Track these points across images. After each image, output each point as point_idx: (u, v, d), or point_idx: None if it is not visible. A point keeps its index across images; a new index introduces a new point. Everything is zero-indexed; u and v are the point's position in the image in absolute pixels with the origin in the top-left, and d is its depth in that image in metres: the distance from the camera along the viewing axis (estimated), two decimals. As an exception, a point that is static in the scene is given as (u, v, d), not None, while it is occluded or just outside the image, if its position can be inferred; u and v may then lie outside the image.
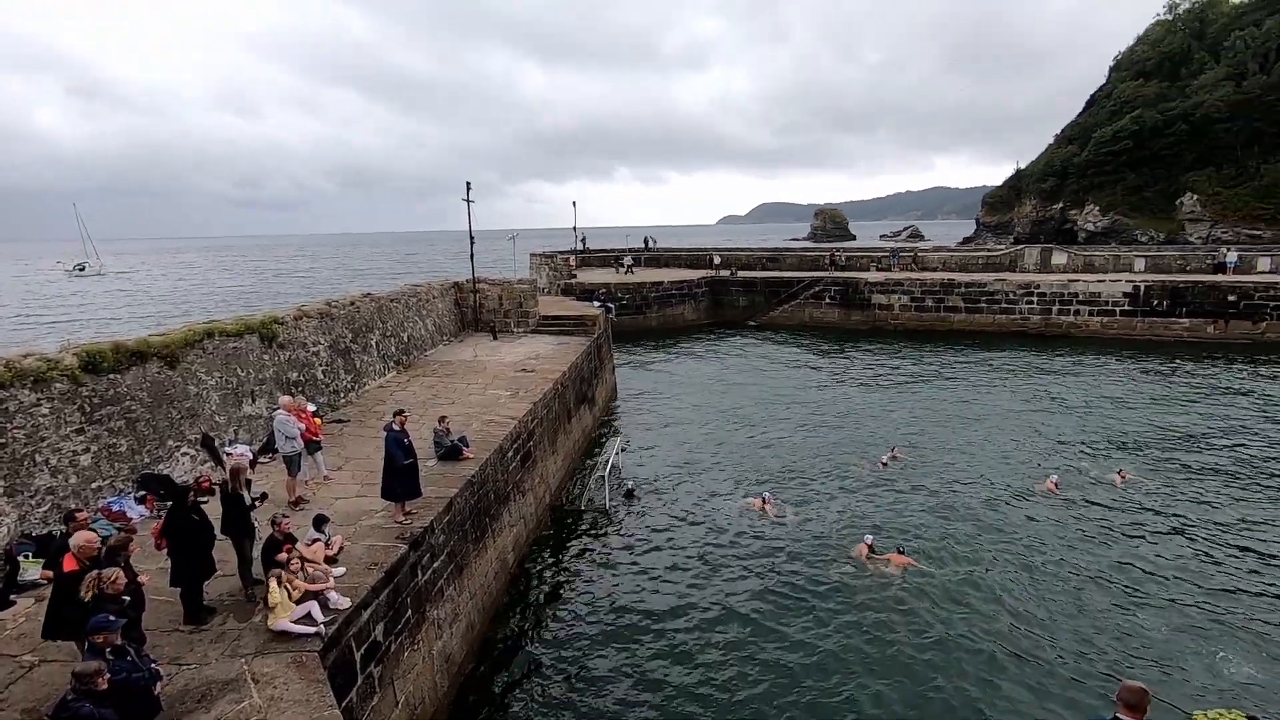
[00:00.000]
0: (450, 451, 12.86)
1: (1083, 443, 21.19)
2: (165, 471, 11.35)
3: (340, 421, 15.39)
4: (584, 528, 16.26)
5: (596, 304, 32.78)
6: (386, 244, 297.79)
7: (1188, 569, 13.58)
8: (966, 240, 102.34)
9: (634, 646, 11.56)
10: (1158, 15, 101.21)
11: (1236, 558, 13.99)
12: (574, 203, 55.11)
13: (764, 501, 16.83)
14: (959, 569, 13.76)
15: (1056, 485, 17.48)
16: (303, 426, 11.34)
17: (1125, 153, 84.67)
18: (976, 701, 10.05)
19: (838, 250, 53.94)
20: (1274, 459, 19.42)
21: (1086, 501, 16.82)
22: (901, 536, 15.02)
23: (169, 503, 8.82)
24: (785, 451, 20.99)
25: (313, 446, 11.69)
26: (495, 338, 25.65)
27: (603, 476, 17.92)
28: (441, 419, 13.26)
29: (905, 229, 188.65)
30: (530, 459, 15.99)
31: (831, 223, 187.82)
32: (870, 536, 14.73)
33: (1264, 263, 40.58)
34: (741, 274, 47.51)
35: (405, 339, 21.36)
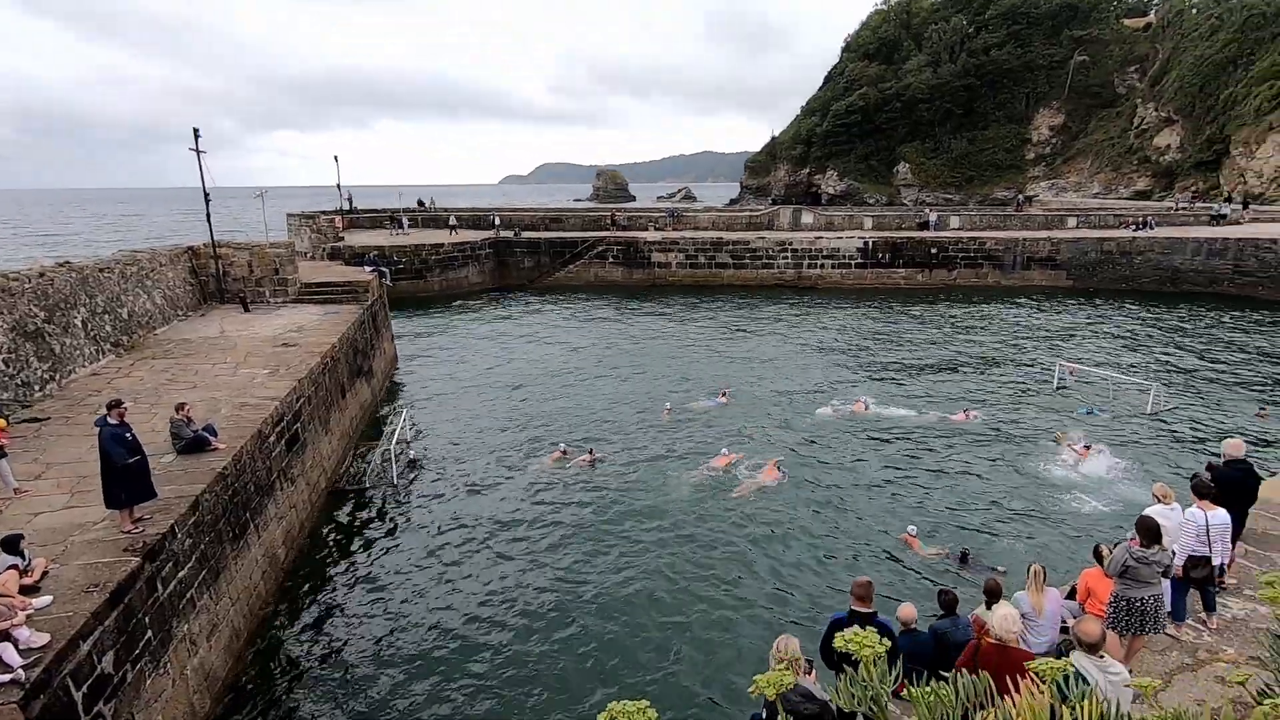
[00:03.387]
0: (194, 443, 11.11)
1: (842, 376, 24.42)
2: None
3: (36, 420, 12.55)
4: (368, 509, 15.23)
5: (369, 269, 30.19)
6: (94, 203, 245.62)
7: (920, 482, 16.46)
8: (733, 202, 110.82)
9: (428, 629, 11.14)
10: (877, 4, 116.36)
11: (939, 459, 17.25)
12: (335, 157, 49.81)
13: (564, 452, 17.24)
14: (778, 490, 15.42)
15: (865, 406, 20.35)
16: (-24, 431, 9.06)
17: (855, 125, 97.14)
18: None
19: (619, 210, 55.39)
20: (955, 372, 24.17)
21: (854, 426, 19.35)
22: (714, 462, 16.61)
23: None
24: (577, 408, 21.39)
25: (-6, 454, 9.40)
26: (247, 310, 22.54)
27: (388, 449, 16.86)
28: (180, 406, 11.38)
29: (679, 190, 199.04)
30: (299, 442, 14.45)
31: (613, 184, 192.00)
32: (726, 450, 16.73)
33: (954, 221, 49.46)
34: (526, 235, 46.82)
35: (125, 315, 17.91)
